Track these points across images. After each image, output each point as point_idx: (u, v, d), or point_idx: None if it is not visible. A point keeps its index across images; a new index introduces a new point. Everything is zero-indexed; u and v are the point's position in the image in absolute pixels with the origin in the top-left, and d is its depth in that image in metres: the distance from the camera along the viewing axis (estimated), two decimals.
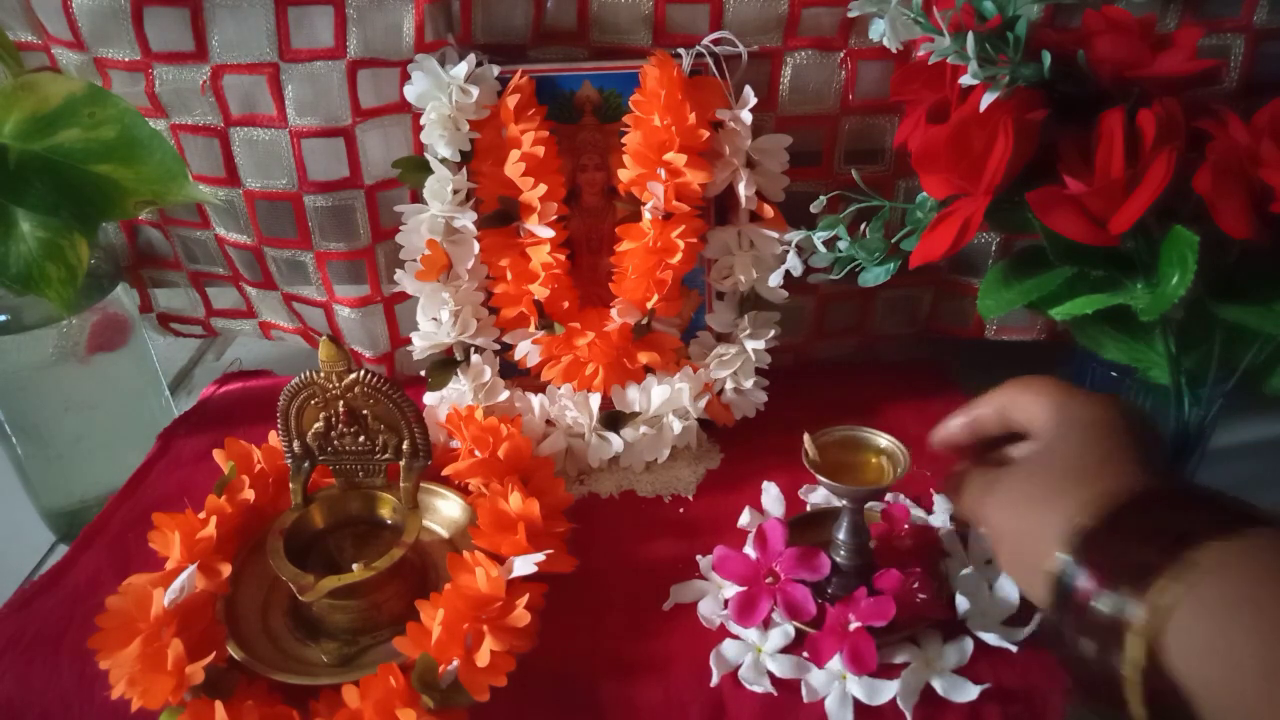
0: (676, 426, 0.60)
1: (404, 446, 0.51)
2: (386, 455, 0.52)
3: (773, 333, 0.62)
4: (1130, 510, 0.36)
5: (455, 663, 0.44)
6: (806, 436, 0.47)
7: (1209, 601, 0.31)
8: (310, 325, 0.70)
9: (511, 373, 0.63)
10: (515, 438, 0.56)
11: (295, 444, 0.52)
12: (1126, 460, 0.39)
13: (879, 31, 0.54)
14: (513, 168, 0.57)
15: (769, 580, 0.48)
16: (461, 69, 0.56)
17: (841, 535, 0.49)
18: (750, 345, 0.61)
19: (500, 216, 0.60)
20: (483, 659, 0.43)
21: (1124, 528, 0.35)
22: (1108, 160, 0.45)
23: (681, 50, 0.57)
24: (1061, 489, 0.38)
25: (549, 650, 0.47)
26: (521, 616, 0.45)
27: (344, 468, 0.53)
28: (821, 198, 0.54)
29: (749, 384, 0.62)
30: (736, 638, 0.48)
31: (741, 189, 0.58)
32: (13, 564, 0.65)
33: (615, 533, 0.56)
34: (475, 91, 0.56)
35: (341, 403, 0.50)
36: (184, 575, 0.47)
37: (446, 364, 0.62)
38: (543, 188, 0.57)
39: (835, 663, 0.45)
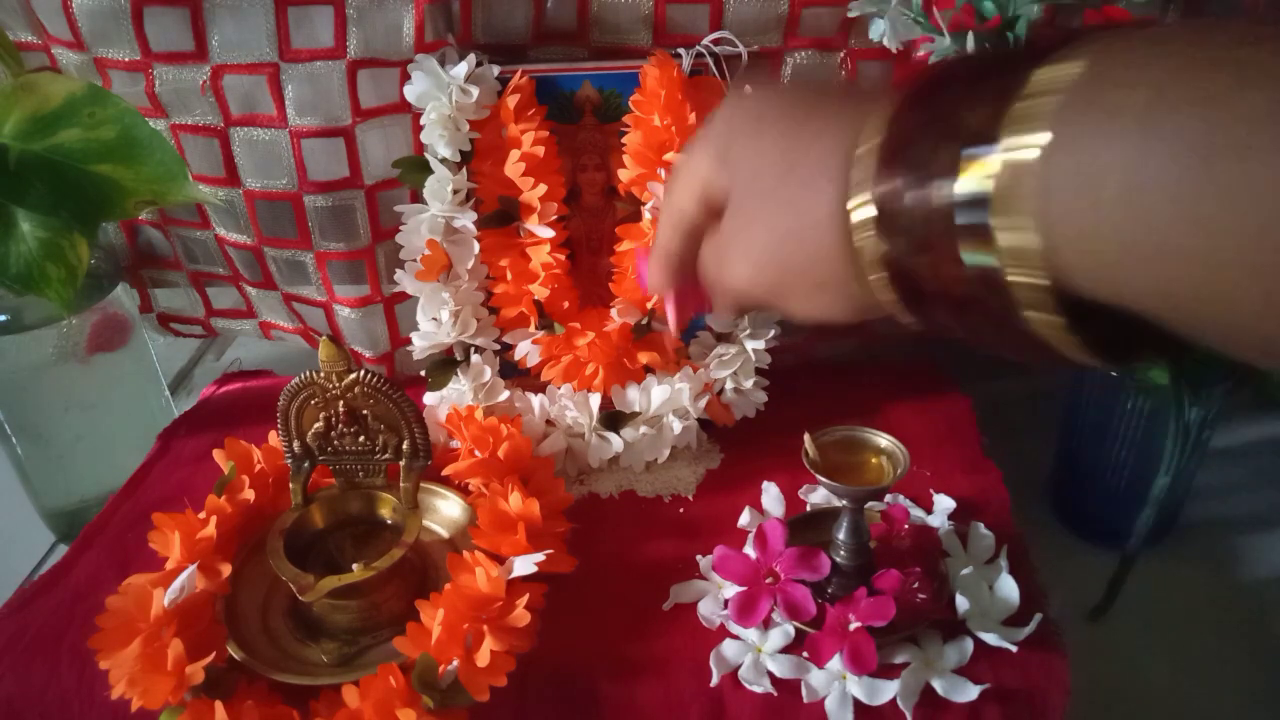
0: (676, 426, 0.60)
1: (404, 446, 0.51)
2: (386, 455, 0.52)
3: (773, 333, 0.62)
4: (922, 94, 0.27)
5: (455, 663, 0.44)
6: (806, 436, 0.47)
7: (1087, 118, 0.22)
8: (310, 325, 0.70)
9: (511, 373, 0.63)
10: (515, 438, 0.56)
11: (295, 444, 0.52)
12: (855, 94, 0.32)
13: (879, 31, 0.54)
14: (513, 168, 0.57)
15: (769, 580, 0.48)
16: (461, 69, 0.56)
17: (841, 535, 0.49)
18: (750, 345, 0.61)
19: (500, 216, 0.60)
20: (483, 659, 0.43)
21: (925, 111, 0.27)
22: None
23: (681, 50, 0.57)
24: (810, 138, 0.30)
25: (549, 650, 0.47)
26: (521, 616, 0.45)
27: (344, 468, 0.53)
28: None
29: (749, 384, 0.62)
30: (736, 638, 0.48)
31: None
32: (13, 564, 0.65)
33: (615, 533, 0.56)
34: (475, 91, 0.56)
35: (341, 403, 0.50)
36: (184, 575, 0.47)
37: (446, 364, 0.62)
38: (543, 188, 0.57)
39: (835, 663, 0.45)
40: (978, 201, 0.24)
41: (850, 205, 0.29)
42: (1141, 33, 0.23)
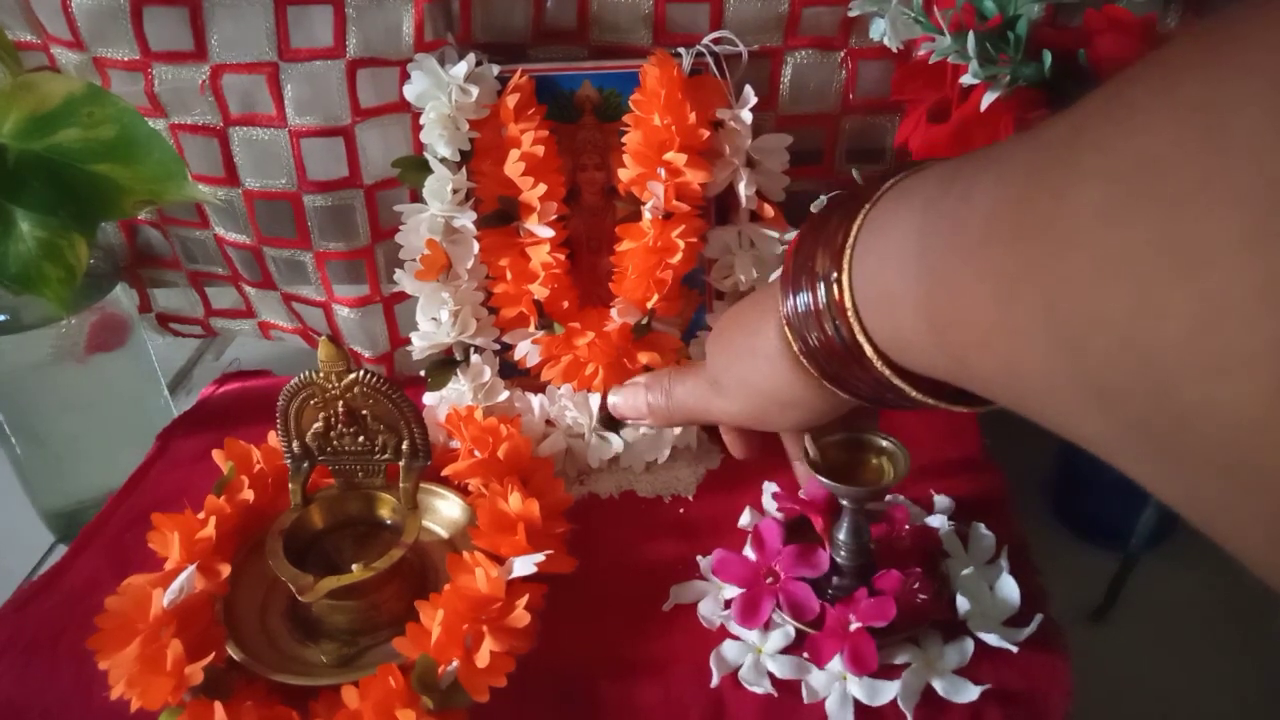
0: (676, 427, 0.60)
1: (403, 446, 0.51)
2: (386, 455, 0.52)
3: None
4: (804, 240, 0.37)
5: (455, 663, 0.43)
6: (806, 436, 0.47)
7: (869, 249, 0.32)
8: (310, 325, 0.70)
9: (511, 373, 0.63)
10: (515, 438, 0.56)
11: (294, 444, 0.52)
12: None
13: (879, 31, 0.54)
14: (512, 167, 0.57)
15: (769, 580, 0.48)
16: (461, 68, 0.56)
17: (842, 535, 0.49)
18: None
19: (500, 216, 0.59)
20: (482, 660, 0.43)
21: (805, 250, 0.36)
22: None
23: (681, 49, 0.57)
24: (747, 319, 0.41)
25: (549, 650, 0.47)
26: (521, 617, 0.45)
27: (343, 468, 0.53)
28: (822, 197, 0.54)
29: None
30: (736, 638, 0.48)
31: (742, 188, 0.58)
32: (11, 564, 0.65)
33: (615, 533, 0.56)
34: (475, 91, 0.56)
35: (341, 403, 0.50)
36: (183, 576, 0.46)
37: (446, 364, 0.62)
38: (542, 187, 0.57)
39: (836, 663, 0.45)
40: (834, 311, 0.34)
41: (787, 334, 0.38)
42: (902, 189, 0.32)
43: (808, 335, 0.36)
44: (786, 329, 0.37)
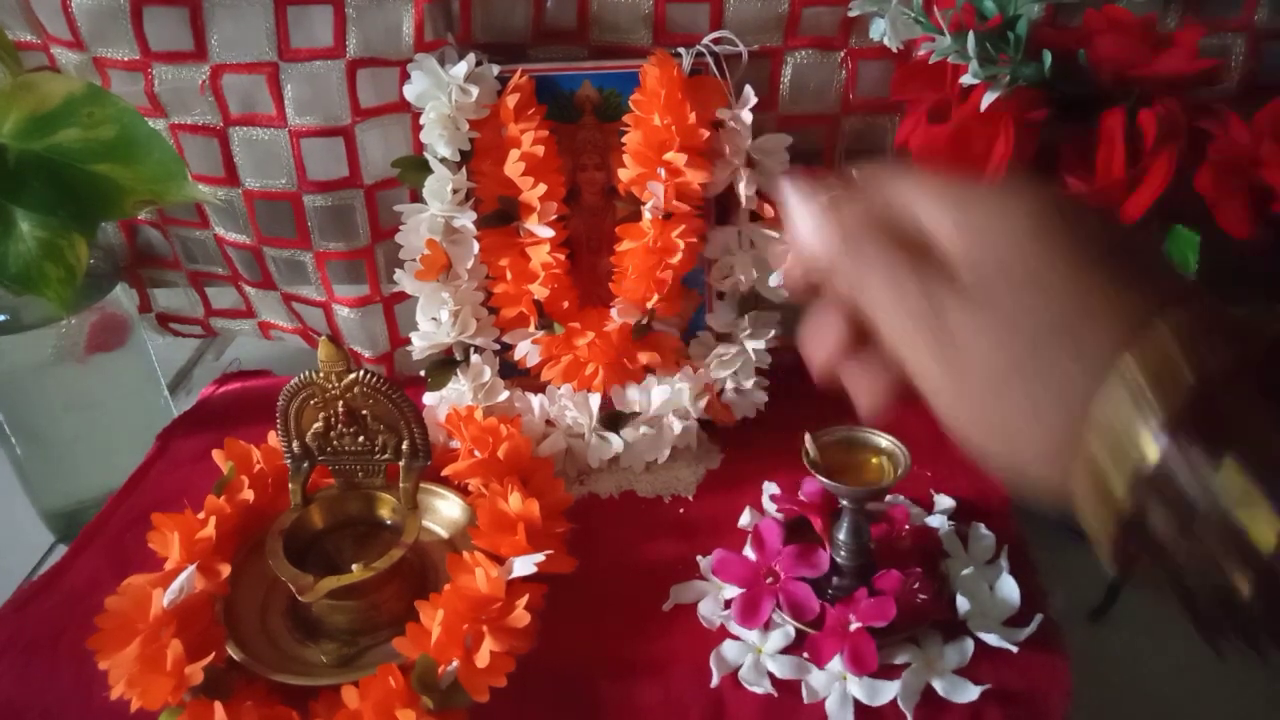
0: (676, 426, 0.60)
1: (403, 446, 0.51)
2: (386, 455, 0.52)
3: (773, 333, 0.62)
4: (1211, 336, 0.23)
5: (455, 663, 0.43)
6: (807, 436, 0.47)
7: None
8: (310, 325, 0.70)
9: (511, 373, 0.63)
10: (515, 438, 0.56)
11: (295, 444, 0.52)
12: (1125, 268, 0.26)
13: (879, 31, 0.54)
14: (512, 167, 0.57)
15: (769, 580, 0.48)
16: (461, 68, 0.56)
17: (842, 535, 0.49)
18: (750, 345, 0.61)
19: (500, 216, 0.59)
20: (482, 660, 0.43)
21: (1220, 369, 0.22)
22: (1109, 160, 0.45)
23: (681, 49, 0.57)
24: (1065, 350, 0.25)
25: (549, 650, 0.47)
26: (521, 617, 0.45)
27: (343, 468, 0.53)
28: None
29: (749, 384, 0.62)
30: (736, 638, 0.48)
31: (742, 189, 0.58)
32: (12, 564, 0.65)
33: (615, 533, 0.56)
34: (475, 91, 0.56)
35: (341, 403, 0.50)
36: (183, 576, 0.46)
37: (446, 364, 0.62)
38: (542, 187, 0.57)
39: (836, 663, 0.45)
40: None
41: (1105, 421, 0.24)
42: None
43: (1157, 499, 0.24)
44: (1145, 463, 0.24)
